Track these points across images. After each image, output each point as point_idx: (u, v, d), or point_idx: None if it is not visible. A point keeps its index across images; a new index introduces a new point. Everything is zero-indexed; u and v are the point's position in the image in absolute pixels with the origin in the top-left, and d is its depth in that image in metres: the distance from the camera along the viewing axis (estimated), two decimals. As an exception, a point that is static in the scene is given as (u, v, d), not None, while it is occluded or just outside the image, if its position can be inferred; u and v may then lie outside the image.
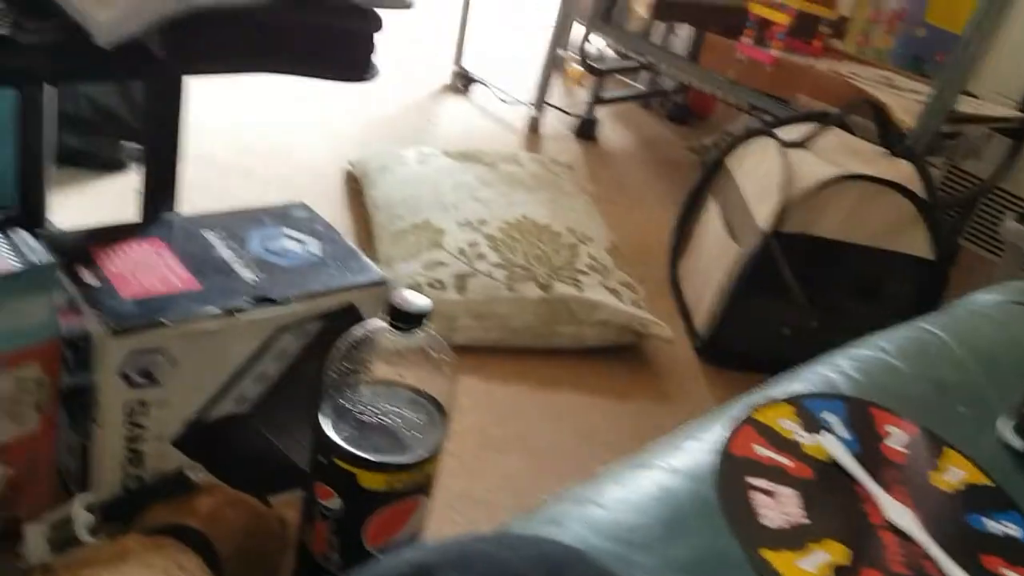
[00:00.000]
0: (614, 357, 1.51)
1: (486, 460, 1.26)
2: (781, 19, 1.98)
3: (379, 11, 0.88)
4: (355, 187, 1.88)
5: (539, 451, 1.29)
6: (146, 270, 0.90)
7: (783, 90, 1.96)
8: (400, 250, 1.54)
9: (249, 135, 2.02)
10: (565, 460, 1.28)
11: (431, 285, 1.46)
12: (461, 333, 1.44)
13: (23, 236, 0.90)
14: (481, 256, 1.51)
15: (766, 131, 1.63)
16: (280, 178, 1.87)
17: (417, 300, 0.77)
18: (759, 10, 2.01)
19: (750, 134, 1.67)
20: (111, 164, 1.70)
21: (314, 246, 1.02)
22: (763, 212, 1.48)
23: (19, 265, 0.81)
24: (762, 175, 1.54)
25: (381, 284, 0.99)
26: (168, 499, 0.83)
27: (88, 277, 0.87)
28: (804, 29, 2.09)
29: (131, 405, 0.84)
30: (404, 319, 0.76)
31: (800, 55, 2.05)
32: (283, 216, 1.07)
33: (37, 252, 0.88)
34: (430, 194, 1.68)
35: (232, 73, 0.84)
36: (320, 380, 0.86)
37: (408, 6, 0.89)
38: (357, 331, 0.81)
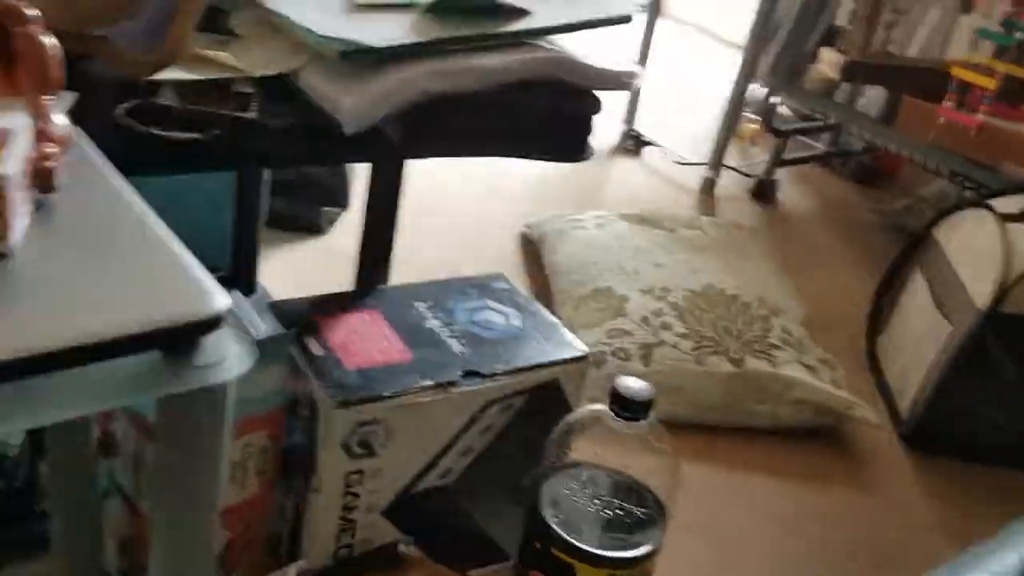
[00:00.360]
0: (810, 439, 1.43)
1: (670, 543, 1.20)
2: (987, 83, 1.86)
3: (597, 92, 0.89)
4: (531, 250, 1.89)
5: (727, 538, 1.23)
6: (365, 340, 0.92)
7: (988, 156, 1.84)
8: (582, 317, 1.53)
9: (423, 195, 2.08)
10: (755, 550, 1.21)
11: (615, 355, 1.44)
12: (646, 405, 1.40)
13: (249, 303, 0.95)
14: (666, 326, 1.48)
15: (980, 202, 1.52)
16: (455, 239, 1.91)
17: (641, 388, 0.75)
18: (963, 73, 1.89)
19: (961, 205, 1.56)
20: (311, 227, 1.80)
21: (516, 318, 1.02)
22: (980, 290, 1.37)
23: (252, 334, 0.85)
24: (978, 250, 1.43)
25: (584, 360, 0.98)
26: (379, 572, 0.84)
27: (314, 346, 0.90)
28: (1011, 93, 1.95)
29: (349, 475, 0.86)
30: (628, 407, 0.74)
31: (1007, 120, 1.91)
32: (485, 287, 1.08)
33: (266, 320, 0.92)
34: (610, 260, 1.67)
35: (455, 156, 0.86)
36: (523, 456, 0.85)
37: (628, 87, 0.89)
38: (577, 415, 0.80)
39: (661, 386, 1.41)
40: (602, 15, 0.86)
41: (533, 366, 0.94)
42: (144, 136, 0.75)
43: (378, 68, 0.78)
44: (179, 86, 0.80)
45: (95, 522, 0.87)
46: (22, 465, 0.92)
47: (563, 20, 0.87)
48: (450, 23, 0.85)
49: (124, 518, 0.87)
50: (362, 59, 0.78)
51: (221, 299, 0.51)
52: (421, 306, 1.01)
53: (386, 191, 1.02)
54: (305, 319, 0.94)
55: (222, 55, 0.82)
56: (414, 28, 0.83)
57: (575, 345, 0.99)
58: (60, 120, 0.56)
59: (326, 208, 1.82)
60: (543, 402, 0.95)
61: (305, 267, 1.72)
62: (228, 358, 0.51)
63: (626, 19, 0.87)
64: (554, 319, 1.03)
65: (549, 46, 0.87)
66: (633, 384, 0.75)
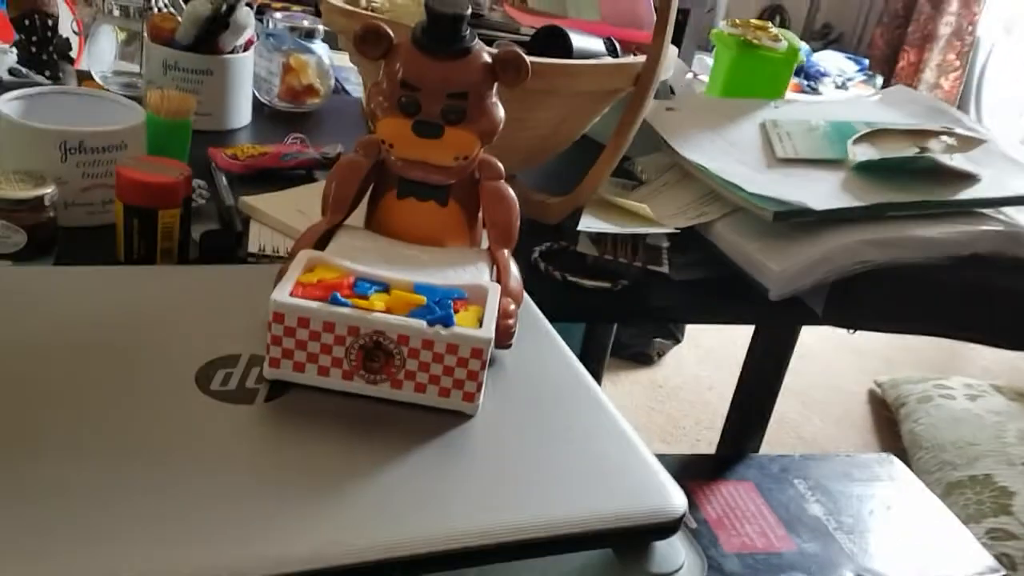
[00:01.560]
0: None
1: None
2: None
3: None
4: (882, 412, 1.70)
5: None
6: (742, 519, 0.83)
7: None
8: (955, 508, 1.32)
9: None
10: None
11: (997, 559, 1.21)
12: (1038, 633, 1.16)
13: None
14: (1068, 537, 1.22)
15: None
16: (798, 391, 1.77)
17: None
18: None
19: None
20: (640, 357, 1.77)
21: (910, 513, 0.88)
22: None
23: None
24: None
25: (1006, 586, 0.81)
26: None
27: (687, 516, 0.83)
28: None
29: (715, 674, 0.77)
30: None
31: None
32: (872, 470, 0.95)
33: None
34: (990, 442, 1.43)
35: (881, 331, 0.76)
36: None
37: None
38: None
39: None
40: (1079, 186, 0.73)
41: (942, 584, 0.79)
42: (557, 281, 0.75)
43: (812, 232, 0.72)
44: (593, 233, 0.79)
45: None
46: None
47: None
48: (886, 185, 0.77)
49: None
50: (795, 220, 0.72)
51: (679, 499, 0.45)
52: (800, 484, 0.90)
53: (774, 355, 0.94)
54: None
55: (636, 205, 0.81)
56: (849, 189, 0.76)
57: (984, 561, 0.82)
58: (516, 273, 0.55)
59: (658, 339, 1.78)
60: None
61: (631, 398, 1.68)
62: (681, 568, 0.45)
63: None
64: (959, 522, 0.88)
65: (1003, 218, 0.76)
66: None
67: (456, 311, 0.48)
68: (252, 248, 0.66)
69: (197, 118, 0.88)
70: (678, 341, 1.78)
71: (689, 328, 1.80)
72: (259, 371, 0.47)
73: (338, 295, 0.46)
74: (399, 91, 0.51)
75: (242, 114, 0.93)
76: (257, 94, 0.98)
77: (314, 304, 0.45)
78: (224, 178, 0.76)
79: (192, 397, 0.45)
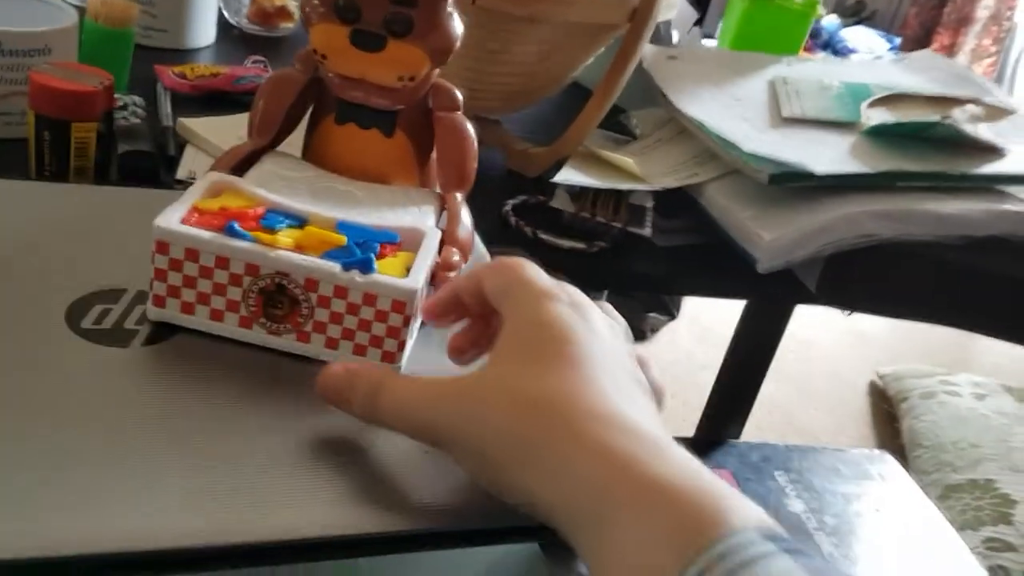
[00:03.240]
0: None
1: None
2: None
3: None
4: (883, 406, 1.63)
5: None
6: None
7: None
8: (951, 512, 1.25)
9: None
10: None
11: (992, 571, 1.14)
12: (1026, 647, 1.09)
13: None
14: (1067, 549, 1.16)
15: None
16: (796, 377, 1.70)
17: None
18: None
19: None
20: (632, 332, 1.70)
21: (901, 517, 0.81)
22: None
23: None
24: None
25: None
26: None
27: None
28: None
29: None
30: None
31: None
32: (863, 468, 0.87)
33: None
34: (995, 445, 1.36)
35: (883, 315, 0.69)
36: None
37: None
38: None
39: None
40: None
41: (929, 597, 0.72)
42: (527, 239, 0.68)
43: (811, 199, 0.64)
44: (573, 188, 0.72)
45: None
46: None
47: (1059, 168, 0.67)
48: (900, 153, 0.69)
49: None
50: (794, 185, 0.65)
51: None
52: (781, 477, 0.83)
53: (763, 335, 0.87)
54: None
55: (623, 160, 0.73)
56: (858, 154, 0.68)
57: (977, 572, 0.76)
58: (467, 221, 0.48)
59: (652, 315, 1.71)
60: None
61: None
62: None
63: None
64: (952, 529, 0.81)
65: (1028, 198, 0.68)
66: None
67: (383, 256, 0.41)
68: (180, 174, 0.59)
69: (154, 34, 0.81)
70: (673, 317, 1.70)
71: (687, 304, 1.73)
72: (143, 310, 0.40)
73: (236, 226, 0.39)
74: (337, -8, 0.44)
75: (204, 33, 0.85)
76: (225, 12, 0.91)
77: (206, 234, 0.38)
78: (168, 98, 0.68)
79: (57, 334, 0.38)
